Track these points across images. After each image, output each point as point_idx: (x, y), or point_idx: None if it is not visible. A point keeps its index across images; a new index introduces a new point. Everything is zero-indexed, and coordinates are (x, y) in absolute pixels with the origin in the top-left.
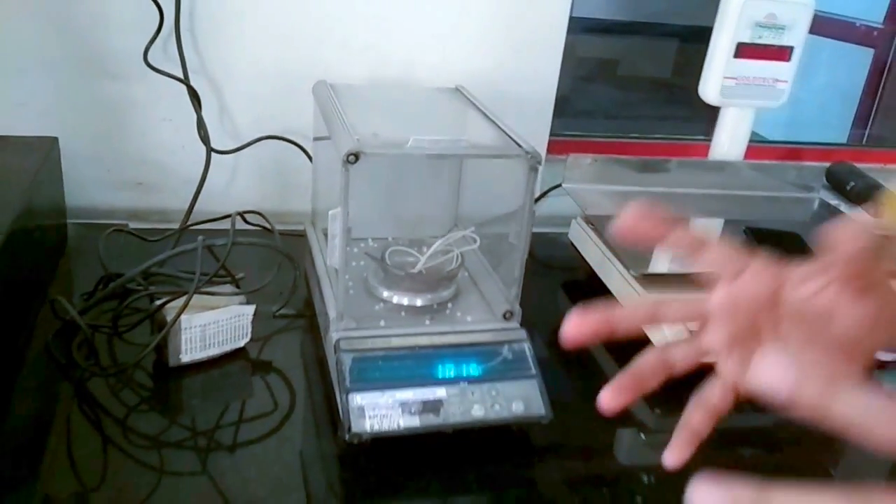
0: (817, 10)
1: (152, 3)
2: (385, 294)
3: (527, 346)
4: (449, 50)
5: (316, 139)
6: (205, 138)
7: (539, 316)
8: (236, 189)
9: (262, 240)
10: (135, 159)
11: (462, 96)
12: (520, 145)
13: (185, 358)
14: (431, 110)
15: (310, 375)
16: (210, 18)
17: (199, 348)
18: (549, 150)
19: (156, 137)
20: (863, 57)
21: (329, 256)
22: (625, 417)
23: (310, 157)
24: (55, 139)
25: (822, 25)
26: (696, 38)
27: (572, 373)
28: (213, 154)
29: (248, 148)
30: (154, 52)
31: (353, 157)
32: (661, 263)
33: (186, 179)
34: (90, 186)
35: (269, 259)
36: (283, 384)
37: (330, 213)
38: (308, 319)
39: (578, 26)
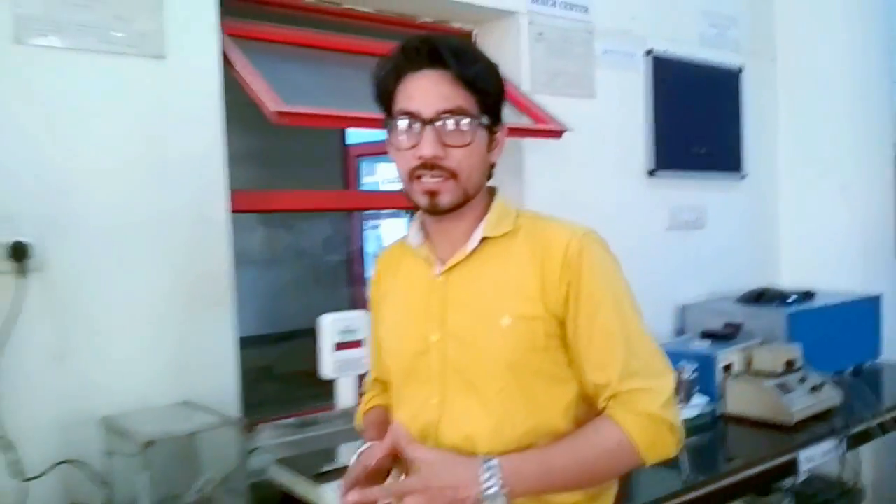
0: None
1: None
2: None
3: None
4: (169, 373)
5: (108, 455)
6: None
7: None
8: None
9: None
10: None
11: (192, 405)
12: (228, 417)
13: None
14: (177, 415)
15: None
16: (11, 393)
17: None
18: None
19: None
20: None
21: (141, 498)
22: None
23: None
24: None
25: None
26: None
27: None
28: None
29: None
30: None
31: (150, 444)
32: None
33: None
34: None
35: None
36: None
37: (139, 478)
38: None
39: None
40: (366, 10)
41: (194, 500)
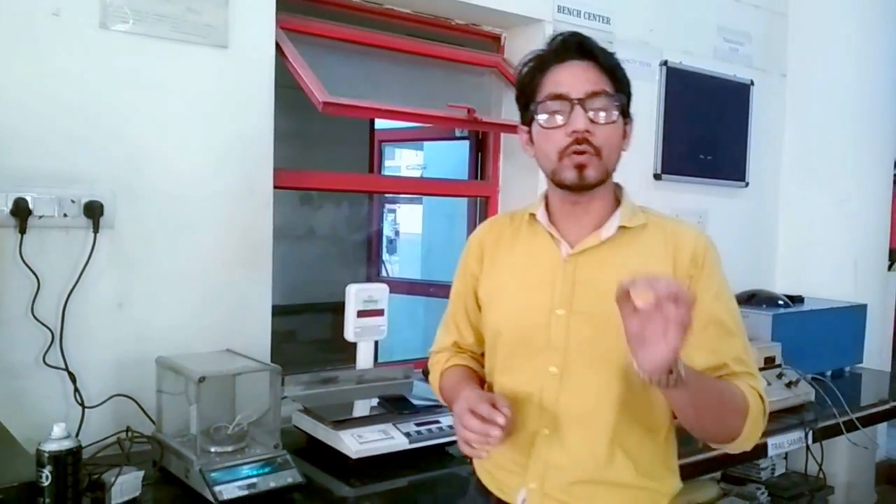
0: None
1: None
2: (213, 448)
3: (290, 457)
4: (213, 326)
5: (159, 392)
6: (81, 402)
7: None
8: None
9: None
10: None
11: (233, 353)
12: (268, 364)
13: None
14: (222, 359)
15: None
16: (77, 333)
17: None
18: None
19: (49, 404)
20: None
21: (192, 425)
22: None
23: (143, 409)
24: None
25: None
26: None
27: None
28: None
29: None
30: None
31: (202, 379)
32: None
33: None
34: None
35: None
36: None
37: (191, 408)
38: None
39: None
40: (405, 10)
41: (233, 433)
